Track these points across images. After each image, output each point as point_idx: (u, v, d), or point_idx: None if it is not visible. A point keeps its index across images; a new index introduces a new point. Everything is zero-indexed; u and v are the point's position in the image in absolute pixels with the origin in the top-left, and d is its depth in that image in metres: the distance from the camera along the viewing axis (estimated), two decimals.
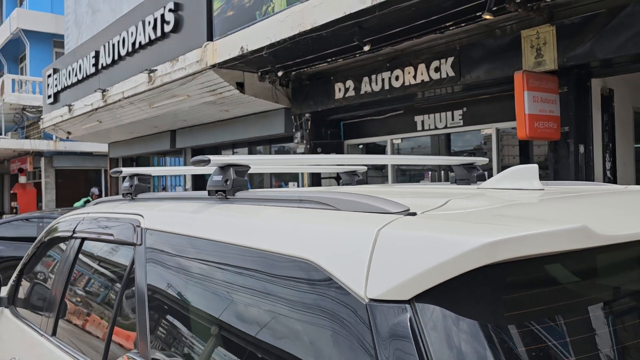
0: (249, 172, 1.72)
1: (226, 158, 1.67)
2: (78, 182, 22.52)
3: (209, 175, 1.75)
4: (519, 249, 0.88)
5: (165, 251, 1.66)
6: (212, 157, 1.65)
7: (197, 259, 1.51)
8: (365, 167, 2.92)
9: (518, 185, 1.54)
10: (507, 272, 0.96)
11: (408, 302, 0.94)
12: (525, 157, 6.84)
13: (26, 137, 21.98)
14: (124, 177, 2.33)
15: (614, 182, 6.17)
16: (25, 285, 3.03)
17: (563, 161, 5.77)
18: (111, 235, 2.04)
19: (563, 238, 0.89)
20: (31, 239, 10.09)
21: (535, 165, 1.54)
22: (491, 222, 1.00)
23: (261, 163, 2.52)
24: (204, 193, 1.78)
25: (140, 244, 1.79)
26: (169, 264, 1.62)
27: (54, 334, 2.28)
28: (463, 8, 5.42)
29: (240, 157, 1.69)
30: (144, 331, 1.59)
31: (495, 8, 5.23)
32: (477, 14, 5.39)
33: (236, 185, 1.65)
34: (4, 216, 19.24)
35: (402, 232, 1.01)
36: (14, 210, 22.47)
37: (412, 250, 0.96)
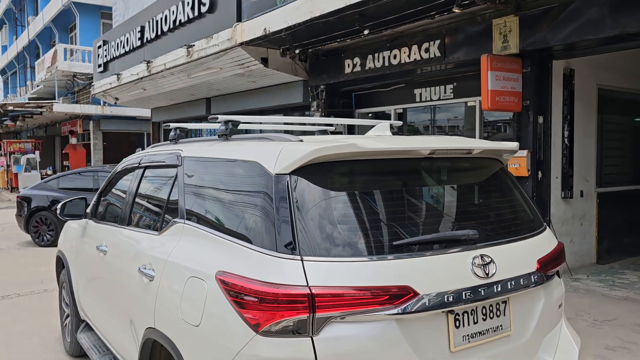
0: (239, 126, 3.10)
1: (227, 117, 3.05)
2: (122, 144, 24.45)
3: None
4: (324, 153, 2.23)
5: (194, 167, 3.07)
6: (219, 116, 3.03)
7: (209, 168, 2.92)
8: (334, 127, 4.28)
9: (378, 133, 2.88)
10: (332, 166, 2.34)
11: (288, 174, 2.31)
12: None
13: (76, 102, 23.91)
14: (171, 129, 3.76)
15: (571, 148, 7.33)
16: (103, 203, 4.52)
17: (524, 129, 6.96)
18: (164, 162, 3.46)
19: (343, 149, 2.24)
20: (87, 189, 11.86)
21: (387, 123, 2.88)
22: (322, 143, 2.35)
23: (248, 120, 3.91)
24: (216, 137, 3.18)
25: (180, 165, 3.20)
26: (196, 172, 3.03)
27: (128, 224, 3.74)
28: (441, 1, 6.61)
29: (234, 117, 3.07)
30: (182, 206, 3.01)
31: (465, 2, 6.40)
32: (451, 7, 6.56)
33: (232, 132, 3.04)
34: (58, 173, 21.31)
35: (290, 146, 2.38)
36: (66, 169, 24.62)
37: (291, 153, 2.33)
